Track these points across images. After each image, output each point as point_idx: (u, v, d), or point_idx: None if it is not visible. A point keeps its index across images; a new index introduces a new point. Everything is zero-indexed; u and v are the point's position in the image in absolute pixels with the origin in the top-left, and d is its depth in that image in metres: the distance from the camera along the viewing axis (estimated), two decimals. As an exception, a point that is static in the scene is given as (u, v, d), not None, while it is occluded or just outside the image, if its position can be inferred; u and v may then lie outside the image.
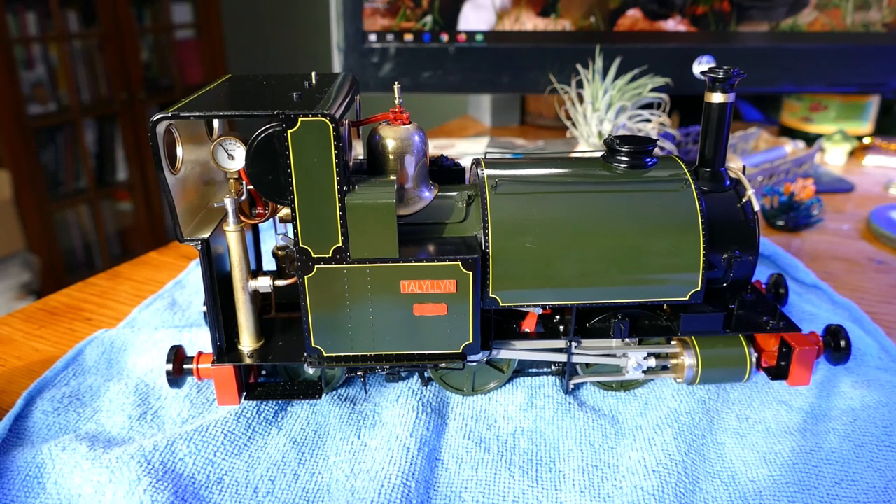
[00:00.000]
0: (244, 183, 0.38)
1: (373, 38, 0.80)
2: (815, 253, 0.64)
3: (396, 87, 0.39)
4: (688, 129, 0.84)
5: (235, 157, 0.37)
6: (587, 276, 0.38)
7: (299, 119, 0.33)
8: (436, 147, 0.95)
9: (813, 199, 0.69)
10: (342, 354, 0.38)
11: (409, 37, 0.80)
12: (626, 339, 0.42)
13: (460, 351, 0.39)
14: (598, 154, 0.43)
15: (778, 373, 0.41)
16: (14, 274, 1.91)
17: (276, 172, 0.35)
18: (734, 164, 0.81)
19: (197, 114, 0.33)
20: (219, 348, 0.39)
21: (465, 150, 0.93)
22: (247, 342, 0.39)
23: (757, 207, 0.41)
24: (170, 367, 0.39)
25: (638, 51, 0.77)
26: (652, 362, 0.42)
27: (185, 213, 0.37)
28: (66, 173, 2.15)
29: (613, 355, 0.42)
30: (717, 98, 0.41)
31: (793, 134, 0.97)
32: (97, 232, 2.18)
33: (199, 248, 0.36)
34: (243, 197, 0.38)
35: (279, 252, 0.44)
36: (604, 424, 0.40)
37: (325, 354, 0.38)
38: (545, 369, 0.44)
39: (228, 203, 0.37)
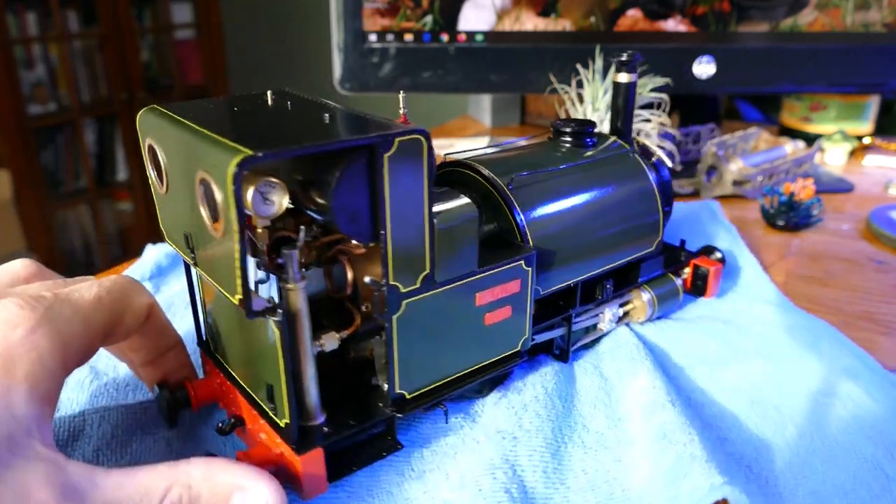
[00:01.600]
0: (302, 228, 0.31)
1: (373, 38, 0.80)
2: (815, 253, 0.64)
3: (401, 96, 0.37)
4: (688, 129, 0.84)
5: (273, 201, 0.30)
6: (591, 250, 0.43)
7: (396, 140, 0.29)
8: (436, 147, 0.95)
9: (813, 199, 0.69)
10: (423, 391, 0.35)
11: (409, 37, 0.80)
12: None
13: (519, 348, 0.39)
14: (545, 137, 0.48)
15: (697, 291, 0.53)
16: (14, 274, 1.91)
17: (364, 205, 0.30)
18: (734, 165, 0.80)
19: (287, 150, 0.26)
20: (301, 431, 0.32)
21: (465, 150, 0.93)
22: (315, 414, 0.33)
23: (670, 164, 0.50)
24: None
25: (638, 51, 0.77)
26: (621, 312, 0.47)
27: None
28: (66, 173, 2.15)
29: (595, 315, 0.47)
30: (622, 78, 0.48)
31: (793, 134, 0.97)
32: (97, 232, 2.18)
33: (282, 321, 0.28)
34: (300, 243, 0.30)
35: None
36: (600, 382, 0.44)
37: (409, 397, 0.35)
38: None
39: (291, 255, 0.29)
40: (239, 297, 0.27)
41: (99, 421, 0.37)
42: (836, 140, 0.91)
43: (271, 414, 0.32)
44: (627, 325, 0.49)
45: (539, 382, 0.42)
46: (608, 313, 0.46)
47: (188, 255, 0.32)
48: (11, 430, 0.25)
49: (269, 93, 0.35)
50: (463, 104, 1.26)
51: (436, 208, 0.33)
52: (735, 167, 0.76)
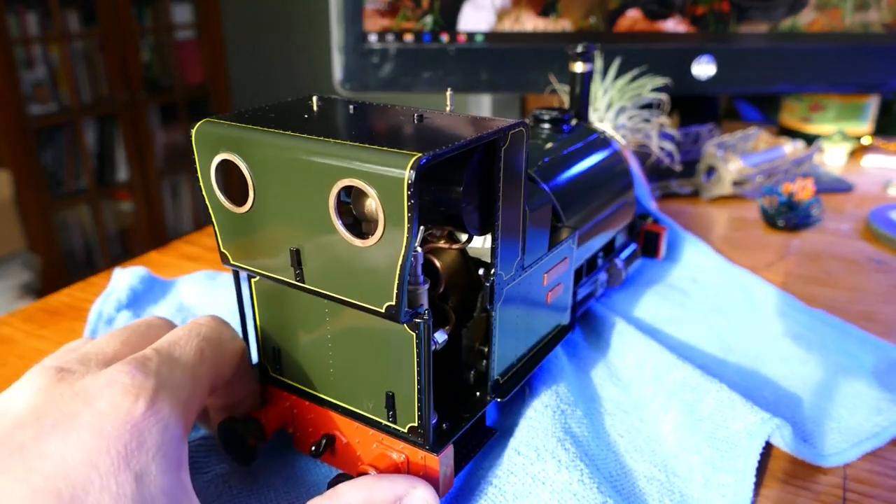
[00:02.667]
0: (421, 228, 0.31)
1: (373, 38, 0.80)
2: (815, 253, 0.64)
3: (449, 93, 0.34)
4: (688, 129, 0.84)
5: None
6: (600, 227, 0.46)
7: (510, 133, 0.29)
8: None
9: (812, 199, 0.69)
10: (510, 375, 0.36)
11: (409, 37, 0.80)
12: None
13: (565, 322, 0.41)
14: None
15: (649, 254, 0.57)
16: (14, 274, 1.91)
17: (479, 198, 0.31)
18: (733, 165, 0.80)
19: (449, 149, 0.26)
20: (437, 429, 0.31)
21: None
22: (432, 414, 0.32)
23: (623, 142, 0.56)
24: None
25: (638, 51, 0.77)
26: (605, 277, 0.51)
27: None
28: (67, 173, 2.15)
29: (591, 285, 0.49)
30: (578, 68, 0.52)
31: (792, 134, 0.97)
32: (98, 232, 2.18)
33: (424, 323, 0.28)
34: (416, 242, 0.29)
35: None
36: (594, 353, 0.46)
37: (502, 383, 0.35)
38: None
39: (419, 255, 0.29)
40: (390, 303, 0.27)
41: None
42: (835, 140, 0.91)
43: (386, 422, 0.31)
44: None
45: (554, 356, 0.43)
46: (599, 282, 0.49)
47: (289, 273, 0.30)
48: None
49: (314, 98, 0.33)
50: (463, 104, 1.26)
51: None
52: (734, 167, 0.76)
